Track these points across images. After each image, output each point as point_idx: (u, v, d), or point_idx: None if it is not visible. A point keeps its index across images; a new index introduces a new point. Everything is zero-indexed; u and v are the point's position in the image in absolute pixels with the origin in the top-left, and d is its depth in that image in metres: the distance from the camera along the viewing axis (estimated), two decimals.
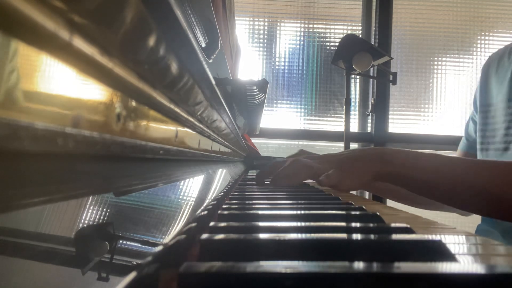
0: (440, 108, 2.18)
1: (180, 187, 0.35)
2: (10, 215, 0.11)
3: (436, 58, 2.18)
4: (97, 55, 0.15)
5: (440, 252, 0.20)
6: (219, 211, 0.32)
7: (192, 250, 0.22)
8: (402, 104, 2.18)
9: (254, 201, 0.42)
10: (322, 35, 2.18)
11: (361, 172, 0.59)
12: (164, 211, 0.27)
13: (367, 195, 1.94)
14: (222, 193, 0.45)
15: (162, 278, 0.17)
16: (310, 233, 0.23)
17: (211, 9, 0.61)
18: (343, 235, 0.22)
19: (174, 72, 0.25)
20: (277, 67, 2.17)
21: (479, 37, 2.18)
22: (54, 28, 0.12)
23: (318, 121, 2.16)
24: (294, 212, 0.33)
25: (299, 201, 0.42)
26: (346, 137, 1.77)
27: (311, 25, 2.18)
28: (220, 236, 0.21)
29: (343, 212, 0.33)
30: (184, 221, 0.25)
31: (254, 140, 1.79)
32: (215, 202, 0.36)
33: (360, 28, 2.19)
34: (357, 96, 2.20)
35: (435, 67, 2.18)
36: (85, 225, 0.15)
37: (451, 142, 2.12)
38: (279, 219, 0.30)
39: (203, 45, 0.48)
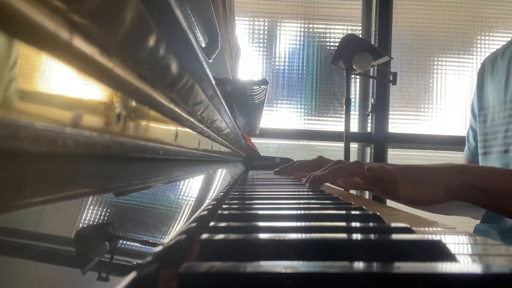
0: (440, 108, 2.18)
1: (180, 187, 0.35)
2: (10, 215, 0.11)
3: (436, 58, 2.18)
4: (97, 55, 0.15)
5: (440, 252, 0.20)
6: (219, 211, 0.32)
7: (192, 250, 0.22)
8: (402, 104, 2.18)
9: (254, 201, 0.42)
10: (322, 35, 2.18)
11: (433, 184, 0.58)
12: (164, 211, 0.27)
13: (367, 195, 1.94)
14: (222, 193, 0.45)
15: (162, 278, 0.17)
16: (310, 233, 0.23)
17: (211, 9, 0.61)
18: (343, 235, 0.22)
19: (174, 72, 0.25)
20: (277, 67, 2.17)
21: (479, 37, 2.18)
22: (54, 28, 0.12)
23: (318, 121, 2.16)
24: (294, 212, 0.33)
25: (299, 201, 0.42)
26: (346, 137, 1.77)
27: (311, 25, 2.18)
28: (220, 236, 0.21)
29: (343, 212, 0.33)
30: (184, 221, 0.25)
31: (254, 140, 1.79)
32: (215, 202, 0.36)
33: (360, 28, 2.19)
34: (357, 96, 2.20)
35: (435, 67, 2.18)
36: (85, 225, 0.15)
37: (451, 142, 2.12)
38: (279, 219, 0.30)
39: (203, 45, 0.48)
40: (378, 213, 0.30)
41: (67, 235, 0.14)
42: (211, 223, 0.26)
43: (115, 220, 0.18)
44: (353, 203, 0.40)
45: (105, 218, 0.17)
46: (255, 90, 0.83)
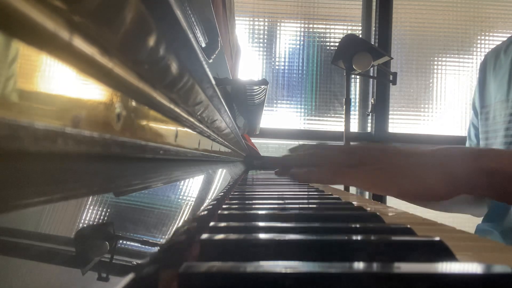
0: (440, 108, 2.18)
1: (180, 187, 0.35)
2: (10, 215, 0.11)
3: (436, 58, 2.18)
4: (97, 55, 0.15)
5: (440, 252, 0.20)
6: (219, 211, 0.32)
7: (192, 250, 0.22)
8: (402, 104, 2.18)
9: (254, 201, 0.42)
10: (322, 35, 2.18)
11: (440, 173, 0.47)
12: (164, 211, 0.27)
13: (367, 195, 1.94)
14: (222, 193, 0.45)
15: (162, 278, 0.17)
16: (310, 233, 0.23)
17: (211, 9, 0.61)
18: (343, 235, 0.22)
19: (174, 72, 0.25)
20: (277, 67, 2.17)
21: (479, 37, 2.18)
22: (54, 28, 0.12)
23: (318, 121, 2.16)
24: (294, 212, 0.33)
25: (299, 201, 0.42)
26: (346, 137, 1.77)
27: (311, 25, 2.18)
28: (220, 236, 0.21)
29: (343, 212, 0.33)
30: (184, 221, 0.25)
31: (254, 140, 1.79)
32: (215, 202, 0.36)
33: (360, 28, 2.19)
34: (357, 96, 2.20)
35: (435, 67, 2.18)
36: (85, 225, 0.15)
37: (451, 142, 2.12)
38: (279, 220, 0.30)
39: (203, 45, 0.48)
40: (378, 213, 0.30)
41: (67, 235, 0.14)
42: (211, 223, 0.26)
43: (115, 220, 0.18)
44: (353, 203, 0.40)
45: (105, 218, 0.17)
46: (255, 90, 0.83)
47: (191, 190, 0.37)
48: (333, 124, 2.15)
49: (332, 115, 2.16)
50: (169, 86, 0.26)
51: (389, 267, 0.16)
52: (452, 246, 0.20)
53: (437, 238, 0.20)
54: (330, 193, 0.56)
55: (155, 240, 0.20)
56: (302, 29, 2.18)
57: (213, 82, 0.37)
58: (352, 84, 2.11)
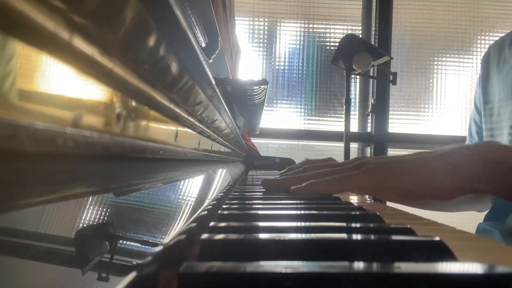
0: (440, 108, 2.18)
1: (180, 187, 0.35)
2: (10, 215, 0.11)
3: (436, 58, 2.18)
4: (97, 55, 0.15)
5: (440, 252, 0.20)
6: (219, 211, 0.32)
7: (192, 250, 0.22)
8: (402, 104, 2.18)
9: (254, 201, 0.42)
10: (322, 35, 2.18)
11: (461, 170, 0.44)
12: (164, 211, 0.27)
13: (367, 195, 1.94)
14: (222, 193, 0.45)
15: (162, 278, 0.17)
16: (310, 233, 0.23)
17: (211, 9, 0.61)
18: (343, 235, 0.22)
19: (174, 72, 0.25)
20: (277, 67, 2.17)
21: (479, 37, 2.18)
22: (54, 28, 0.12)
23: (318, 121, 2.16)
24: (294, 212, 0.33)
25: (299, 201, 0.42)
26: (346, 137, 1.77)
27: (311, 25, 2.18)
28: (220, 236, 0.21)
29: (343, 212, 0.33)
30: (184, 221, 0.25)
31: (254, 140, 1.79)
32: (215, 202, 0.36)
33: (360, 28, 2.19)
34: (357, 96, 2.20)
35: (435, 67, 2.18)
36: (85, 225, 0.15)
37: (451, 142, 2.12)
38: (279, 219, 0.30)
39: (203, 45, 0.48)
40: (378, 213, 0.30)
41: (67, 235, 0.14)
42: (211, 223, 0.26)
43: (115, 220, 0.18)
44: (353, 203, 0.40)
45: (105, 218, 0.17)
46: (255, 90, 0.83)
47: (191, 190, 0.37)
48: (333, 124, 2.15)
49: (332, 115, 2.16)
50: (169, 86, 0.26)
51: (389, 267, 0.16)
52: (452, 246, 0.20)
53: (437, 238, 0.20)
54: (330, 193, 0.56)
55: (155, 240, 0.20)
56: (302, 29, 2.18)
57: (213, 82, 0.37)
58: (352, 84, 2.11)
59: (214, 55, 0.56)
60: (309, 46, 2.18)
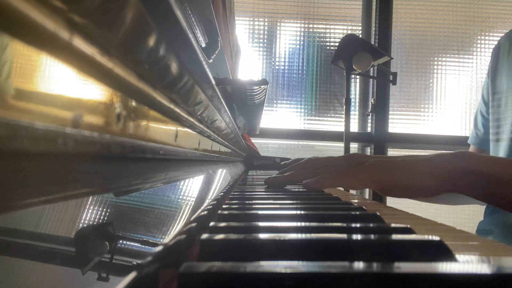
0: (440, 108, 2.18)
1: (180, 187, 0.35)
2: (10, 215, 0.11)
3: (436, 58, 2.18)
4: (97, 55, 0.15)
5: (440, 252, 0.20)
6: (219, 211, 0.32)
7: (192, 250, 0.22)
8: (402, 104, 2.18)
9: (254, 201, 0.42)
10: (322, 35, 2.19)
11: (445, 171, 0.52)
12: (164, 211, 0.27)
13: (367, 195, 1.94)
14: (222, 193, 0.45)
15: (162, 278, 0.17)
16: (310, 233, 0.23)
17: (211, 9, 0.61)
18: (343, 235, 0.22)
19: (174, 72, 0.25)
20: (277, 67, 2.17)
21: (479, 37, 2.18)
22: (54, 28, 0.12)
23: (318, 121, 2.16)
24: (294, 212, 0.33)
25: (299, 201, 0.42)
26: (346, 137, 1.77)
27: (311, 25, 2.18)
28: (220, 236, 0.21)
29: (343, 212, 0.33)
30: (184, 221, 0.25)
31: (254, 140, 1.79)
32: (215, 202, 0.36)
33: (360, 28, 2.19)
34: (357, 96, 2.20)
35: (435, 67, 2.18)
36: (85, 225, 0.15)
37: (451, 142, 2.12)
38: (279, 219, 0.30)
39: (203, 45, 0.48)
40: (378, 213, 0.30)
41: (67, 235, 0.14)
42: (211, 223, 0.26)
43: (115, 220, 0.18)
44: (353, 203, 0.40)
45: (105, 218, 0.17)
46: (255, 90, 0.83)
47: (191, 190, 0.37)
48: (333, 124, 2.15)
49: (332, 115, 2.16)
50: (169, 86, 0.26)
51: (389, 267, 0.16)
52: (452, 246, 0.20)
53: (437, 238, 0.20)
54: (330, 193, 0.56)
55: (155, 240, 0.20)
56: (302, 29, 2.18)
57: (213, 82, 0.37)
58: (352, 84, 2.11)
59: (214, 55, 0.56)
60: (309, 46, 2.18)
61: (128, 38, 0.17)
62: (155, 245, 0.19)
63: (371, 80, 2.15)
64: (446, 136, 2.14)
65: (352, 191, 0.74)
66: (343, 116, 1.79)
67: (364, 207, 0.36)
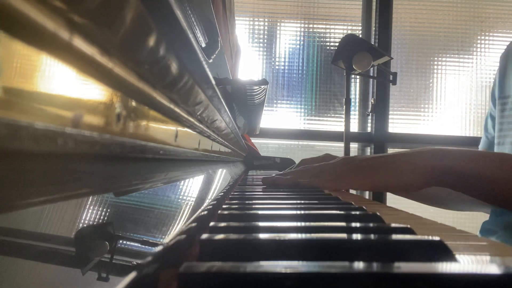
0: (440, 108, 2.18)
1: (180, 187, 0.35)
2: (10, 215, 0.11)
3: (436, 58, 2.18)
4: (97, 55, 0.15)
5: (440, 252, 0.20)
6: (219, 211, 0.32)
7: (192, 250, 0.22)
8: (402, 104, 2.18)
9: (254, 201, 0.42)
10: (322, 35, 2.18)
11: (417, 168, 0.56)
12: (164, 211, 0.27)
13: (367, 195, 1.94)
14: (222, 193, 0.45)
15: (162, 278, 0.17)
16: (310, 233, 0.23)
17: (211, 9, 0.61)
18: (343, 235, 0.22)
19: (174, 72, 0.25)
20: (277, 67, 2.17)
21: (479, 37, 2.18)
22: (54, 28, 0.12)
23: (318, 121, 2.16)
24: (294, 212, 0.33)
25: (299, 201, 0.42)
26: (346, 137, 1.77)
27: (311, 25, 2.18)
28: (220, 236, 0.21)
29: (343, 212, 0.33)
30: (184, 221, 0.25)
31: (254, 140, 1.79)
32: (215, 202, 0.36)
33: (360, 28, 2.19)
34: (357, 96, 2.20)
35: (435, 67, 2.18)
36: (85, 225, 0.15)
37: (451, 142, 2.12)
38: (279, 219, 0.30)
39: (203, 45, 0.48)
40: (378, 213, 0.30)
41: (67, 235, 0.14)
42: (211, 223, 0.26)
43: (115, 220, 0.18)
44: (353, 203, 0.40)
45: (105, 218, 0.17)
46: (255, 90, 0.83)
47: (191, 190, 0.37)
48: (333, 124, 2.15)
49: (332, 115, 2.16)
50: (169, 86, 0.26)
51: (389, 267, 0.16)
52: (452, 246, 0.20)
53: (437, 238, 0.20)
54: (330, 193, 0.56)
55: (155, 240, 0.20)
56: (302, 29, 2.18)
57: (213, 82, 0.37)
58: (352, 84, 2.11)
59: (214, 55, 0.56)
60: (309, 46, 2.18)
61: (128, 38, 0.17)
62: (155, 245, 0.19)
63: (371, 80, 2.15)
64: (446, 136, 2.14)
65: (352, 191, 0.75)
66: (343, 116, 1.79)
67: (364, 207, 0.36)
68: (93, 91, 0.17)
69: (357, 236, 0.21)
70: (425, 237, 0.21)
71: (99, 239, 0.16)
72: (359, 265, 0.16)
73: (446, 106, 2.18)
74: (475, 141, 1.97)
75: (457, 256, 0.20)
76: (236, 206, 0.37)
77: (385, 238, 0.21)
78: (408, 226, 0.25)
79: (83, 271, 0.13)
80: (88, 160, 0.17)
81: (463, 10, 2.18)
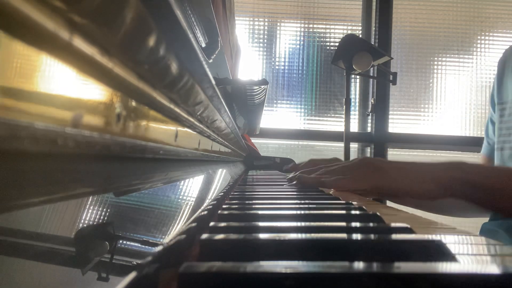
0: (440, 108, 2.18)
1: (180, 187, 0.35)
2: (10, 215, 0.11)
3: (436, 58, 2.18)
4: (97, 55, 0.15)
5: (440, 252, 0.20)
6: (219, 211, 0.32)
7: (192, 250, 0.22)
8: (402, 104, 2.18)
9: (254, 201, 0.42)
10: (322, 35, 2.18)
11: (423, 176, 0.57)
12: (164, 211, 0.27)
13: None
14: (222, 193, 0.45)
15: (162, 278, 0.17)
16: (310, 233, 0.23)
17: (211, 9, 0.61)
18: (343, 235, 0.22)
19: (174, 72, 0.25)
20: (277, 67, 2.17)
21: (479, 37, 2.18)
22: (54, 28, 0.12)
23: (318, 121, 2.16)
24: (294, 212, 0.33)
25: (299, 201, 0.42)
26: (346, 137, 1.77)
27: (311, 25, 2.18)
28: (220, 236, 0.21)
29: (343, 212, 0.33)
30: (184, 221, 0.25)
31: (254, 140, 1.79)
32: (215, 202, 0.36)
33: (360, 28, 2.19)
34: (357, 96, 2.20)
35: (435, 67, 2.18)
36: (85, 225, 0.15)
37: (451, 142, 2.12)
38: (279, 219, 0.30)
39: (203, 45, 0.48)
40: (378, 213, 0.30)
41: (67, 235, 0.14)
42: (211, 223, 0.26)
43: (115, 220, 0.18)
44: (353, 203, 0.40)
45: (105, 218, 0.17)
46: (255, 90, 0.83)
47: (191, 190, 0.37)
48: (333, 124, 2.15)
49: (332, 115, 2.16)
50: (169, 86, 0.26)
51: (389, 267, 0.16)
52: (451, 246, 0.20)
53: (437, 238, 0.20)
54: (330, 193, 0.56)
55: (155, 240, 0.20)
56: (302, 29, 2.17)
57: (213, 82, 0.37)
58: (352, 84, 2.11)
59: (214, 55, 0.56)
60: (309, 46, 2.18)
61: (128, 38, 0.17)
62: (155, 245, 0.19)
63: (371, 80, 2.15)
64: (446, 136, 2.14)
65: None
66: (343, 116, 1.79)
67: (364, 207, 0.36)
68: (93, 91, 0.17)
69: (357, 236, 0.21)
70: (425, 237, 0.21)
71: (99, 239, 0.16)
72: (359, 265, 0.16)
73: (446, 106, 2.18)
74: (475, 141, 1.98)
75: (457, 256, 0.20)
76: (236, 206, 0.37)
77: (385, 238, 0.21)
78: (408, 226, 0.25)
79: (83, 271, 0.13)
80: (88, 160, 0.17)
81: (463, 10, 2.18)
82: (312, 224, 0.26)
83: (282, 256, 0.19)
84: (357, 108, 2.19)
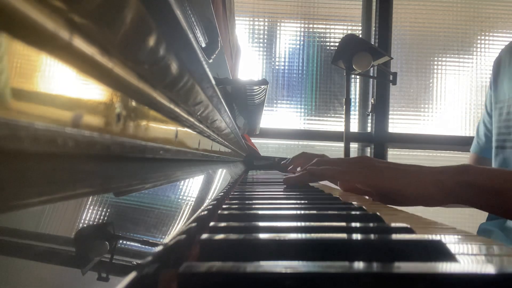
0: (440, 108, 2.18)
1: (180, 187, 0.35)
2: (10, 215, 0.11)
3: (436, 58, 2.18)
4: (97, 55, 0.15)
5: (440, 252, 0.20)
6: (219, 211, 0.32)
7: (192, 250, 0.22)
8: (402, 104, 2.18)
9: (254, 201, 0.42)
10: (322, 35, 2.18)
11: (426, 180, 0.55)
12: (164, 211, 0.27)
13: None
14: (222, 193, 0.45)
15: (162, 278, 0.17)
16: (310, 233, 0.23)
17: (211, 9, 0.61)
18: (343, 235, 0.22)
19: (174, 72, 0.25)
20: (277, 67, 2.17)
21: (479, 37, 2.18)
22: (54, 28, 0.12)
23: (318, 121, 2.16)
24: (294, 212, 0.33)
25: (299, 201, 0.42)
26: (346, 137, 1.77)
27: (311, 25, 2.18)
28: (220, 236, 0.21)
29: (343, 212, 0.33)
30: (184, 221, 0.25)
31: (254, 140, 1.79)
32: (215, 202, 0.36)
33: (360, 28, 2.19)
34: (357, 96, 2.20)
35: (435, 67, 2.18)
36: (85, 225, 0.15)
37: (451, 142, 2.12)
38: (279, 219, 0.30)
39: (203, 45, 0.48)
40: (378, 213, 0.30)
41: (67, 235, 0.14)
42: (211, 223, 0.26)
43: (115, 220, 0.18)
44: (353, 203, 0.40)
45: (105, 218, 0.17)
46: (255, 90, 0.83)
47: (191, 190, 0.37)
48: (333, 124, 2.15)
49: (332, 115, 2.16)
50: (169, 86, 0.26)
51: (389, 267, 0.16)
52: (451, 246, 0.20)
53: (437, 238, 0.20)
54: (330, 193, 0.56)
55: (155, 240, 0.20)
56: (302, 29, 2.17)
57: (213, 82, 0.37)
58: (352, 84, 2.11)
59: (214, 55, 0.56)
60: (309, 46, 2.18)
61: (128, 38, 0.17)
62: (155, 245, 0.19)
63: (371, 80, 2.15)
64: (446, 136, 2.14)
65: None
66: (343, 116, 1.79)
67: (364, 207, 0.36)
68: (93, 91, 0.17)
69: (357, 236, 0.21)
70: (425, 237, 0.21)
71: (99, 239, 0.16)
72: (359, 265, 0.16)
73: (446, 106, 2.18)
74: None
75: (457, 256, 0.20)
76: (236, 206, 0.37)
77: (385, 238, 0.21)
78: (408, 226, 0.25)
79: (83, 271, 0.13)
80: (88, 160, 0.17)
81: (463, 10, 2.18)
82: (312, 224, 0.26)
83: (282, 256, 0.19)
84: (357, 108, 2.19)
